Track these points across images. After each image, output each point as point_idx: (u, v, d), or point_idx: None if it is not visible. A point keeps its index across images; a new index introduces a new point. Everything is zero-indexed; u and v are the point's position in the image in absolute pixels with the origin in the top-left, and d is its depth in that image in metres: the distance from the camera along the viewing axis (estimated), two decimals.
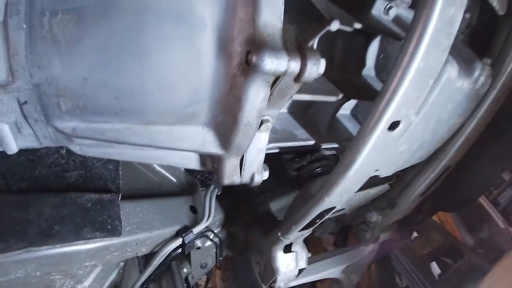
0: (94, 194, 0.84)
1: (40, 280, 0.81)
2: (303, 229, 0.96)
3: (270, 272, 1.12)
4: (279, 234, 1.02)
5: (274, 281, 1.13)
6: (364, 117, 0.89)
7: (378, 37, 0.82)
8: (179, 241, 1.01)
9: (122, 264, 1.07)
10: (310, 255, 1.18)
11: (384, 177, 0.92)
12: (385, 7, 0.74)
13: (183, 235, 1.01)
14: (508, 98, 1.08)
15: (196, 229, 1.04)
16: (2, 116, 0.58)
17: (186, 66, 0.48)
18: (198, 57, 0.48)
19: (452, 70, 0.71)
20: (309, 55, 0.46)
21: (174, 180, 1.15)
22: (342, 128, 0.85)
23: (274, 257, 1.08)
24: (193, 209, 1.10)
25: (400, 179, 1.24)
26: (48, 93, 0.51)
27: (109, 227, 0.81)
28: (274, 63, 0.44)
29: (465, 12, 1.05)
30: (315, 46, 0.53)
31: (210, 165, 0.68)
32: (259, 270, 1.20)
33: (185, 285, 1.17)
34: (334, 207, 0.87)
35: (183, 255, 1.11)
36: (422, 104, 0.66)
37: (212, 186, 1.08)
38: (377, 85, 0.82)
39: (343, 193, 0.79)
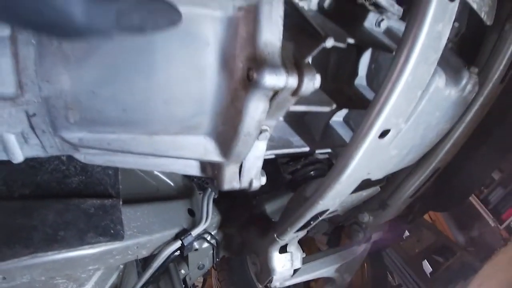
0: (96, 200, 0.87)
1: (45, 284, 0.83)
2: (298, 230, 0.99)
3: (266, 272, 1.15)
4: (275, 235, 1.05)
5: (270, 281, 1.16)
6: (356, 124, 0.94)
7: (370, 48, 0.86)
8: (178, 244, 1.04)
9: (121, 266, 1.10)
10: (304, 255, 1.22)
11: (376, 179, 0.95)
12: (377, 20, 0.78)
13: (182, 237, 1.04)
14: (496, 102, 1.13)
15: (195, 232, 1.06)
16: (10, 127, 0.60)
17: (190, 82, 0.51)
18: (201, 73, 0.51)
19: (440, 80, 0.74)
20: (306, 72, 0.49)
21: (172, 184, 1.18)
22: (335, 134, 0.88)
23: (270, 257, 1.12)
24: (191, 212, 1.13)
25: (391, 182, 1.28)
26: (57, 106, 0.54)
27: (112, 231, 0.84)
28: (274, 79, 0.47)
29: (454, 21, 1.10)
30: (310, 60, 0.56)
31: (211, 172, 0.71)
32: (255, 270, 1.23)
33: (183, 286, 1.20)
34: (327, 209, 0.90)
35: (181, 257, 1.14)
36: (411, 112, 0.70)
37: (209, 190, 1.11)
38: (369, 94, 0.86)
39: (336, 196, 0.82)
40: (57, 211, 0.82)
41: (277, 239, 1.05)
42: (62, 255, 0.78)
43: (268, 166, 0.77)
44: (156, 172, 1.16)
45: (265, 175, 0.75)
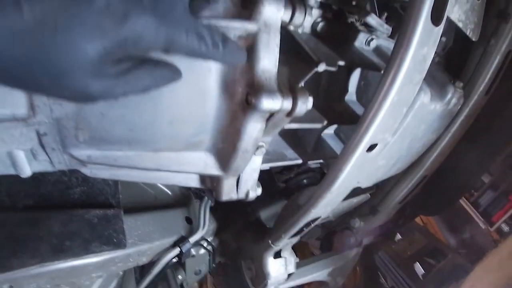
0: (99, 210, 0.90)
1: None
2: (291, 236, 1.03)
3: (261, 276, 1.19)
4: (270, 241, 1.09)
5: (265, 285, 1.20)
6: (346, 136, 0.99)
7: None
8: (176, 251, 1.07)
9: (121, 273, 1.13)
10: (298, 260, 1.26)
11: (366, 187, 1.00)
12: (367, 39, 0.82)
13: (180, 244, 1.08)
14: (482, 110, 1.18)
15: (192, 239, 1.10)
16: (20, 144, 0.62)
17: (193, 104, 0.55)
18: (204, 96, 0.55)
19: (425, 96, 0.79)
20: (300, 95, 0.54)
21: (170, 192, 1.22)
22: (326, 147, 0.93)
23: (265, 262, 1.16)
24: (188, 220, 1.17)
25: (381, 189, 1.33)
26: (68, 126, 0.57)
27: (114, 240, 0.88)
28: (270, 103, 0.51)
29: (441, 36, 1.15)
30: (304, 83, 0.61)
31: (210, 184, 0.75)
32: (250, 275, 1.27)
33: None
34: (320, 217, 0.95)
35: (179, 263, 1.18)
36: (398, 126, 0.75)
37: (206, 198, 1.15)
38: (358, 109, 0.91)
39: (328, 204, 0.86)
40: (62, 221, 0.85)
41: (272, 245, 1.09)
42: (67, 264, 0.81)
43: (263, 175, 0.82)
44: None
45: (261, 187, 0.79)
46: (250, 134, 0.57)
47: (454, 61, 1.25)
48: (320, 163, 1.15)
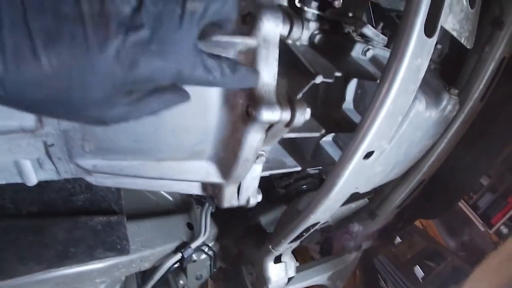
0: (102, 217, 0.92)
1: None
2: (291, 241, 1.05)
3: (262, 281, 1.21)
4: (270, 246, 1.11)
5: None
6: (344, 143, 1.01)
7: None
8: (178, 256, 1.09)
9: (123, 278, 1.15)
10: (298, 264, 1.28)
11: (364, 192, 1.02)
12: (363, 49, 0.85)
13: (182, 250, 1.10)
14: (478, 116, 1.20)
15: (194, 244, 1.12)
16: (27, 154, 0.64)
17: (196, 115, 0.57)
18: (205, 108, 0.57)
19: (420, 105, 0.81)
20: (298, 107, 0.56)
21: (171, 198, 1.24)
22: (325, 154, 0.95)
23: (266, 267, 1.17)
24: (190, 226, 1.19)
25: (379, 193, 1.35)
26: (74, 138, 0.59)
27: (118, 246, 0.89)
28: (269, 115, 0.54)
29: (437, 43, 1.17)
30: (302, 94, 0.63)
31: (211, 191, 0.77)
32: (251, 280, 1.29)
33: None
34: (319, 222, 0.96)
35: (181, 268, 1.20)
36: (394, 134, 0.77)
37: (207, 204, 1.17)
38: (355, 116, 0.93)
39: (327, 210, 0.88)
40: (67, 228, 0.87)
41: (272, 250, 1.11)
42: (72, 270, 0.83)
43: (263, 181, 0.84)
44: None
45: (261, 193, 0.81)
46: (250, 144, 0.59)
47: (450, 68, 1.27)
48: (319, 169, 1.17)
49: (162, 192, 1.22)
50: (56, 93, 0.37)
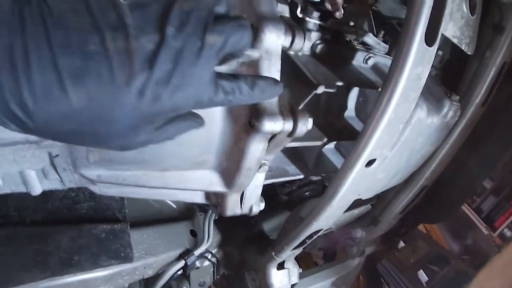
0: (106, 225, 0.93)
1: None
2: (294, 248, 1.05)
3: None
4: (273, 253, 1.11)
5: None
6: (346, 151, 1.01)
7: None
8: (181, 263, 1.10)
9: (127, 286, 1.15)
10: (301, 270, 1.28)
11: (366, 199, 1.02)
12: (364, 57, 0.85)
13: (185, 257, 1.10)
14: (480, 120, 1.21)
15: (197, 252, 1.13)
16: (32, 165, 0.65)
17: None
18: (209, 119, 0.57)
19: (422, 112, 0.81)
20: (300, 117, 0.57)
21: (174, 206, 1.24)
22: (327, 161, 0.95)
23: (269, 274, 1.18)
24: (193, 233, 1.19)
25: (381, 199, 1.35)
26: (79, 149, 0.60)
27: (122, 254, 0.90)
28: (272, 126, 0.54)
29: (438, 50, 1.17)
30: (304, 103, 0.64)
31: (214, 200, 0.78)
32: (254, 286, 1.29)
33: None
34: (322, 229, 0.97)
35: (184, 275, 1.20)
36: (396, 141, 0.77)
37: (210, 211, 1.18)
38: (357, 124, 0.93)
39: (329, 217, 0.88)
40: (71, 236, 0.88)
41: (275, 256, 1.11)
42: (76, 278, 0.84)
43: (266, 188, 0.84)
44: None
45: (264, 201, 0.82)
46: (253, 154, 0.60)
47: (451, 73, 1.27)
48: (321, 175, 1.17)
49: (166, 200, 1.23)
50: (84, 125, 0.39)
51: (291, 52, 0.70)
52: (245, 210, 0.79)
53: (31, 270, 0.81)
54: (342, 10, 0.69)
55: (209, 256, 1.25)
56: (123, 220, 0.98)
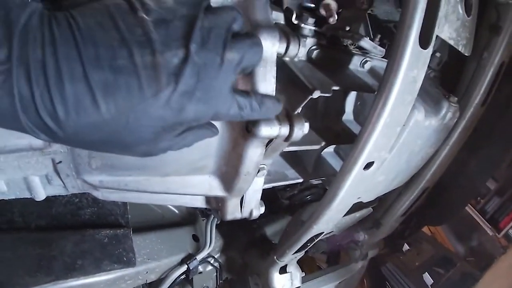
0: (109, 230, 0.94)
1: None
2: (296, 252, 1.06)
3: None
4: (275, 257, 1.12)
5: None
6: (345, 154, 1.01)
7: None
8: (184, 268, 1.11)
9: None
10: (304, 274, 1.28)
11: (368, 201, 1.03)
12: (361, 61, 0.86)
13: (188, 262, 1.11)
14: (480, 121, 1.21)
15: (199, 256, 1.14)
16: (36, 171, 0.66)
17: None
18: None
19: (419, 114, 0.82)
20: (296, 122, 0.58)
21: (176, 211, 1.26)
22: (326, 165, 0.96)
23: (271, 278, 1.18)
24: (195, 238, 1.20)
25: (383, 202, 1.35)
26: (82, 155, 0.62)
27: (124, 259, 0.91)
28: (268, 131, 0.55)
29: (435, 52, 1.18)
30: (300, 109, 0.65)
31: (215, 204, 0.79)
32: None
33: None
34: (323, 232, 0.97)
35: (187, 280, 1.21)
36: (394, 144, 0.77)
37: (212, 216, 1.19)
38: (355, 128, 0.94)
39: (330, 221, 0.89)
40: (74, 241, 0.89)
41: (277, 260, 1.12)
42: (80, 282, 0.85)
43: (267, 192, 0.85)
44: None
45: (264, 205, 0.83)
46: (251, 158, 0.61)
47: (450, 75, 1.28)
48: (322, 179, 1.18)
49: (168, 205, 1.24)
50: (111, 135, 0.41)
51: (287, 59, 0.71)
52: (245, 214, 0.80)
53: (36, 275, 0.82)
54: (336, 16, 0.70)
55: (212, 261, 1.26)
56: (125, 225, 1.00)
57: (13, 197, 0.69)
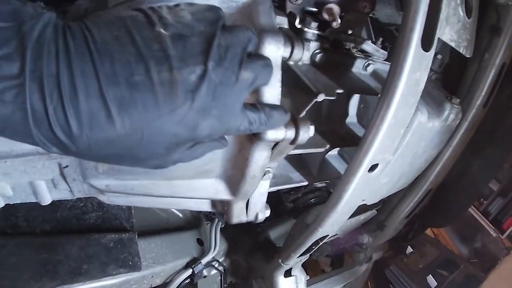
0: (114, 234, 0.94)
1: None
2: (301, 255, 1.06)
3: None
4: (280, 260, 1.12)
5: None
6: (350, 156, 1.02)
7: None
8: (189, 272, 1.11)
9: None
10: (308, 277, 1.28)
11: (371, 204, 1.03)
12: (364, 64, 0.87)
13: (193, 266, 1.11)
14: (482, 122, 1.21)
15: (204, 260, 1.14)
16: (42, 175, 0.67)
17: None
18: None
19: (422, 116, 0.82)
20: (301, 125, 0.58)
21: (181, 215, 1.26)
22: (331, 167, 0.96)
23: (276, 281, 1.18)
24: (200, 242, 1.21)
25: (387, 204, 1.36)
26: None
27: (130, 263, 0.92)
28: (274, 134, 0.56)
29: (437, 54, 1.19)
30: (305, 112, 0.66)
31: (220, 208, 0.79)
32: None
33: None
34: (327, 235, 0.97)
35: (191, 284, 1.21)
36: (397, 146, 0.78)
37: (216, 220, 1.19)
38: (359, 130, 0.95)
39: (334, 223, 0.89)
40: (80, 246, 0.89)
41: (282, 264, 1.12)
42: (86, 286, 0.86)
43: (271, 195, 0.85)
44: None
45: (269, 209, 0.83)
46: (257, 161, 0.61)
47: (452, 76, 1.28)
48: (326, 182, 1.18)
49: (172, 209, 1.24)
50: (125, 150, 0.41)
51: (291, 62, 0.72)
52: (251, 217, 0.81)
53: (41, 279, 0.83)
54: (339, 20, 0.71)
55: (216, 265, 1.26)
56: (130, 229, 1.00)
57: (19, 202, 0.69)
